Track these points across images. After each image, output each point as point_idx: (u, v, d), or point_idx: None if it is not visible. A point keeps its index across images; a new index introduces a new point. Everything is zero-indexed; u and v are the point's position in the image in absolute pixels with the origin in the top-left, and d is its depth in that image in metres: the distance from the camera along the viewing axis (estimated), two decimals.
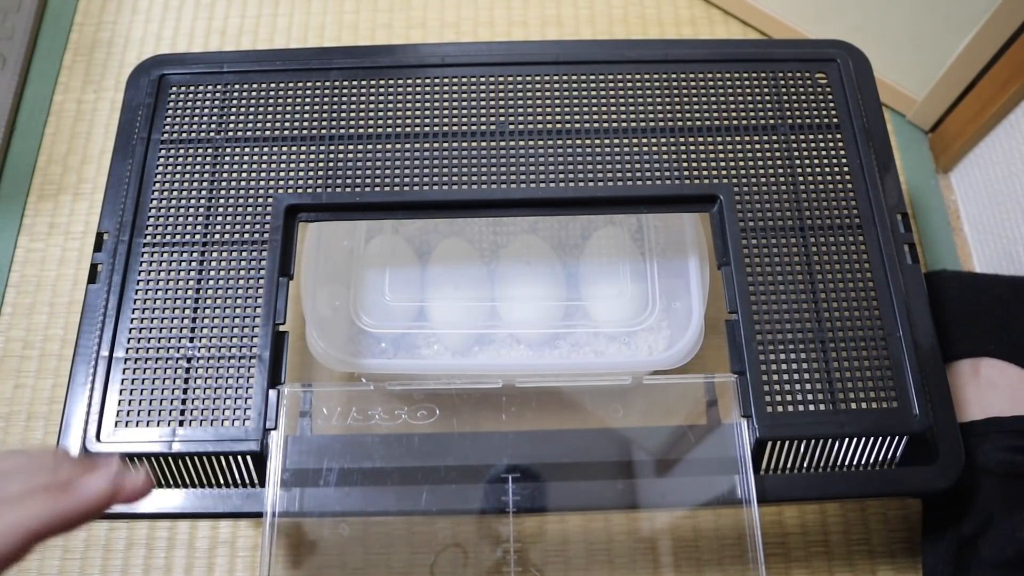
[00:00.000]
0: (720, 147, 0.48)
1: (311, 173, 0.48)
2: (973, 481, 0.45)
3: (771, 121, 0.49)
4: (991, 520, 0.45)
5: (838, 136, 0.49)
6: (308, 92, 0.50)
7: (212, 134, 0.49)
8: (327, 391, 0.45)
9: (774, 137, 0.49)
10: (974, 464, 0.45)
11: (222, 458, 0.42)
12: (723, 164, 0.48)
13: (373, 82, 0.50)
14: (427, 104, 0.50)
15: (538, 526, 0.54)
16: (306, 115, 0.49)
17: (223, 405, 0.42)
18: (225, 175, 0.48)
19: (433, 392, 0.45)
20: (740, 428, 0.42)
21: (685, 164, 0.48)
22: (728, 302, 0.45)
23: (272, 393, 0.42)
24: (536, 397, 0.46)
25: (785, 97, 0.50)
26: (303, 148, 0.48)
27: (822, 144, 0.49)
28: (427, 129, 0.49)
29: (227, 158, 0.48)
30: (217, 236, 0.46)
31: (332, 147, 0.48)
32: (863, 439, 0.42)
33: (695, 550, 0.53)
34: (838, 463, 0.43)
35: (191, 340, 0.44)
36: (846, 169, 0.48)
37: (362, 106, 0.50)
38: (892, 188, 0.48)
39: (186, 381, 0.43)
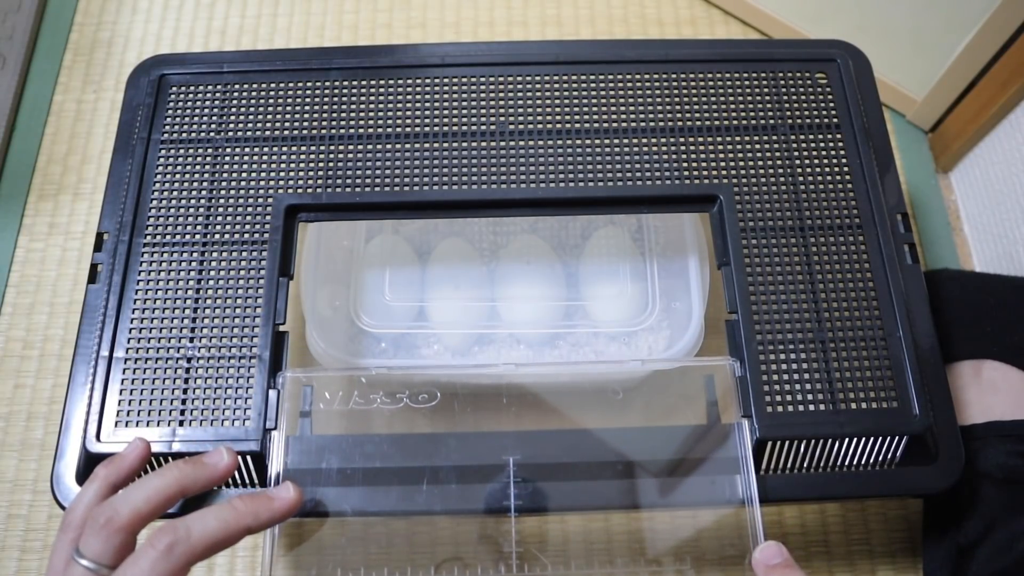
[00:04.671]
0: (720, 147, 0.48)
1: (311, 173, 0.48)
2: (973, 486, 0.45)
3: (771, 121, 0.49)
4: (991, 527, 0.44)
5: (838, 136, 0.49)
6: (308, 92, 0.50)
7: (212, 134, 0.49)
8: (328, 376, 0.45)
9: (774, 137, 0.49)
10: (975, 469, 0.45)
11: None
12: (723, 164, 0.48)
13: (373, 82, 0.50)
14: (427, 104, 0.50)
15: (538, 526, 0.54)
16: (306, 115, 0.49)
17: (223, 405, 0.42)
18: (225, 175, 0.48)
19: (434, 379, 0.45)
20: (740, 428, 0.42)
21: (685, 164, 0.48)
22: (728, 302, 0.45)
23: (272, 393, 0.42)
24: (535, 389, 0.46)
25: (785, 97, 0.50)
26: (303, 148, 0.48)
27: (822, 144, 0.49)
28: (427, 129, 0.49)
29: (227, 158, 0.48)
30: (217, 236, 0.46)
31: (332, 147, 0.48)
32: (863, 439, 0.42)
33: (695, 550, 0.53)
34: (838, 463, 0.43)
35: (191, 340, 0.44)
36: (846, 169, 0.48)
37: (362, 106, 0.50)
38: (892, 188, 0.48)
39: (186, 381, 0.43)
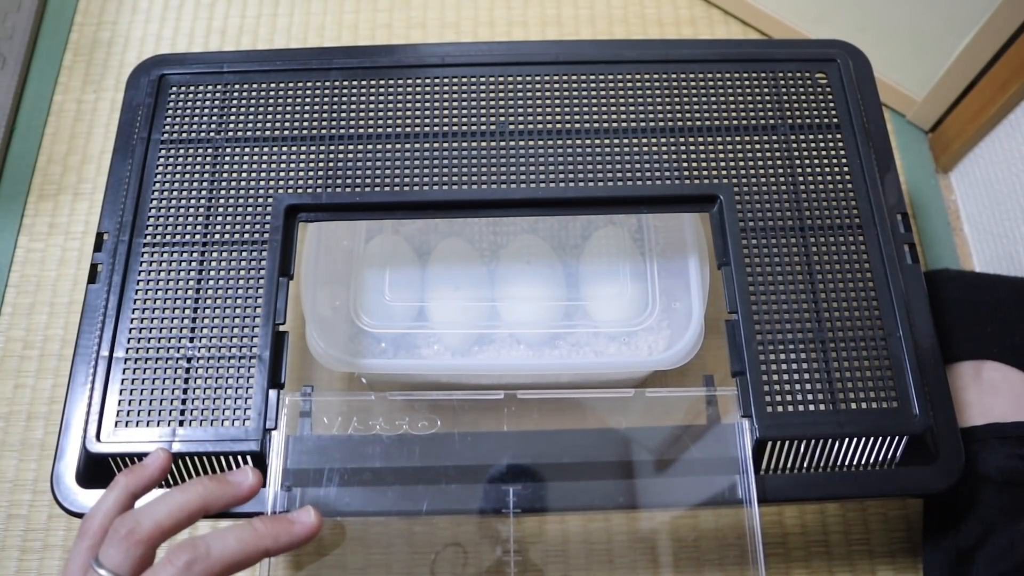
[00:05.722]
0: (720, 147, 0.48)
1: (311, 173, 0.48)
2: (973, 489, 0.45)
3: (771, 121, 0.49)
4: (990, 530, 0.44)
5: (838, 136, 0.49)
6: (308, 92, 0.50)
7: (212, 134, 0.49)
8: (327, 400, 0.45)
9: (774, 137, 0.49)
10: (974, 471, 0.45)
11: (222, 458, 0.42)
12: (723, 164, 0.48)
13: (373, 82, 0.50)
14: (427, 104, 0.50)
15: (538, 526, 0.54)
16: (306, 115, 0.49)
17: (223, 405, 0.42)
18: (225, 175, 0.48)
19: (435, 402, 0.45)
20: (740, 428, 0.42)
21: (685, 164, 0.48)
22: (728, 302, 0.45)
23: (272, 393, 0.42)
24: (537, 404, 0.46)
25: (785, 97, 0.50)
26: (303, 148, 0.48)
27: (822, 144, 0.49)
28: (427, 129, 0.49)
29: (227, 158, 0.48)
30: (217, 236, 0.46)
31: (332, 147, 0.48)
32: (863, 439, 0.42)
33: (695, 550, 0.53)
34: (838, 463, 0.43)
35: (191, 340, 0.44)
36: (846, 169, 0.48)
37: (362, 106, 0.50)
38: (892, 188, 0.48)
39: (186, 381, 0.43)
